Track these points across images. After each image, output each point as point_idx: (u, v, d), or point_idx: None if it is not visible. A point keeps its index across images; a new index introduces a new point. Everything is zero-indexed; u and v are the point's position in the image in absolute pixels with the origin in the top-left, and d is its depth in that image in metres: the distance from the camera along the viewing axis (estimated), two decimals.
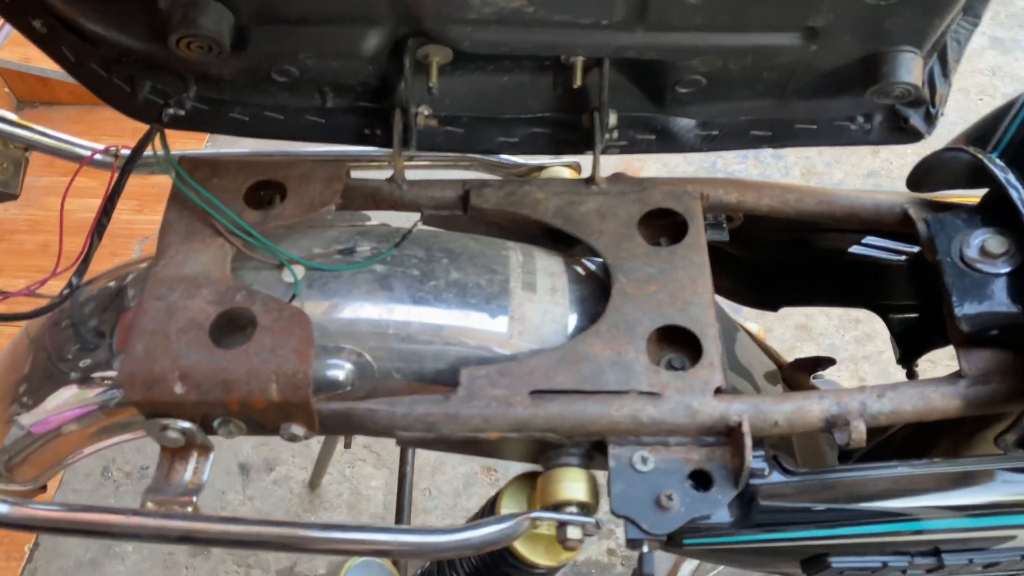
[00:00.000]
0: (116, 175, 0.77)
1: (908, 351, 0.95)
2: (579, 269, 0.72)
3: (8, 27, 0.73)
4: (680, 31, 0.63)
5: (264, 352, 0.59)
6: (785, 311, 1.08)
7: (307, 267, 0.65)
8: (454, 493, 1.65)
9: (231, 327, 0.62)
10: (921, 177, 0.72)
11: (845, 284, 0.94)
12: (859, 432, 0.59)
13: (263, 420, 0.61)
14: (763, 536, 0.63)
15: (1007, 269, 0.62)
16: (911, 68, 0.63)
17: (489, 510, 0.68)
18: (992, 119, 0.68)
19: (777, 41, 0.64)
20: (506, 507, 0.66)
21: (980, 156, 0.65)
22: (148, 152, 0.76)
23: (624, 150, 0.75)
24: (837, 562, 0.65)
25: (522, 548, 0.67)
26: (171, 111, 0.73)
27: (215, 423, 0.61)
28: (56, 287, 0.75)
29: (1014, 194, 0.61)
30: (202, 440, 0.62)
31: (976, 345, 0.62)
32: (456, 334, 0.65)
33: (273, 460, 1.70)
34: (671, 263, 0.68)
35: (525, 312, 0.66)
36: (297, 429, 0.61)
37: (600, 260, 0.74)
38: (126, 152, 0.79)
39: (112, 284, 0.75)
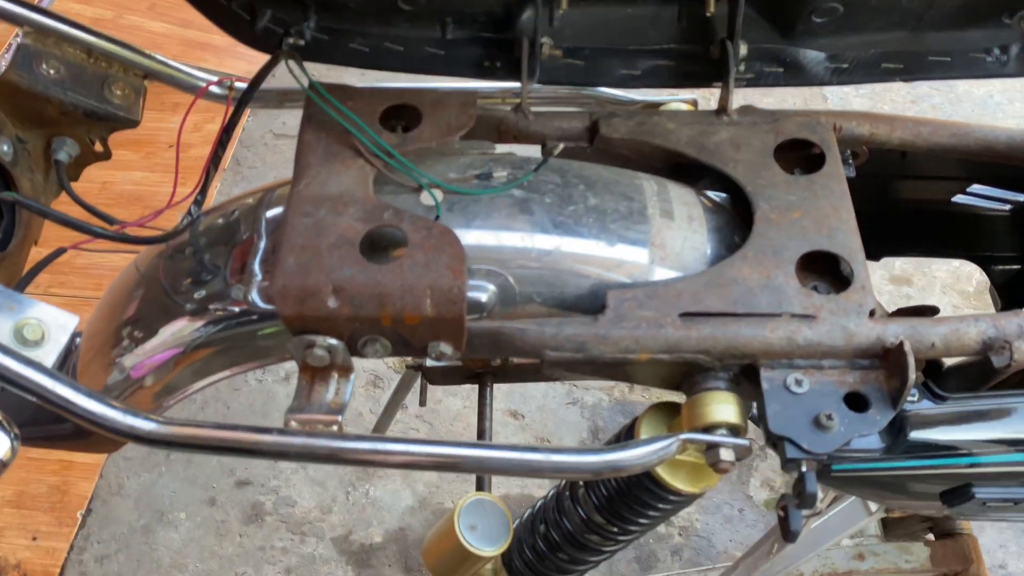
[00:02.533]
0: (231, 107, 0.76)
1: (1009, 302, 0.94)
2: (709, 201, 0.71)
3: None
4: None
5: (418, 267, 0.58)
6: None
7: (446, 190, 0.64)
8: None
9: (376, 246, 0.61)
10: None
11: (948, 234, 0.93)
12: (1021, 352, 0.58)
13: (412, 337, 0.60)
14: (910, 463, 0.62)
15: None
16: None
17: (626, 436, 0.67)
18: None
19: None
20: (645, 434, 0.65)
21: None
22: (265, 86, 0.75)
23: (751, 83, 0.74)
24: (980, 492, 0.65)
25: (664, 473, 0.66)
26: (291, 40, 0.72)
27: (360, 342, 0.61)
28: (166, 222, 0.75)
29: None
30: (344, 360, 0.61)
31: None
32: (597, 260, 0.64)
33: None
34: (812, 191, 0.67)
35: (665, 239, 0.65)
36: (445, 347, 0.60)
37: (724, 195, 0.73)
38: (241, 85, 0.78)
39: (229, 215, 0.74)
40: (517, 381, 0.69)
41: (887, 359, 0.60)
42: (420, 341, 0.60)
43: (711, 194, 0.73)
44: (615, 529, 0.74)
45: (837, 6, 0.68)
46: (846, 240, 0.64)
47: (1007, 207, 0.92)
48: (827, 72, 0.73)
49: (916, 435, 0.61)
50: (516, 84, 0.75)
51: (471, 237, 0.63)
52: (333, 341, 0.60)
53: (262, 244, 0.69)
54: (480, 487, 0.89)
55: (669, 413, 0.67)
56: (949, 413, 0.61)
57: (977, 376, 0.65)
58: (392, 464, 0.59)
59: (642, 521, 0.72)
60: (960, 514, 0.68)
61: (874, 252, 0.97)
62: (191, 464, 1.66)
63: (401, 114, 0.69)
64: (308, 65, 0.71)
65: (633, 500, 0.71)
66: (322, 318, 0.58)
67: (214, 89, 0.78)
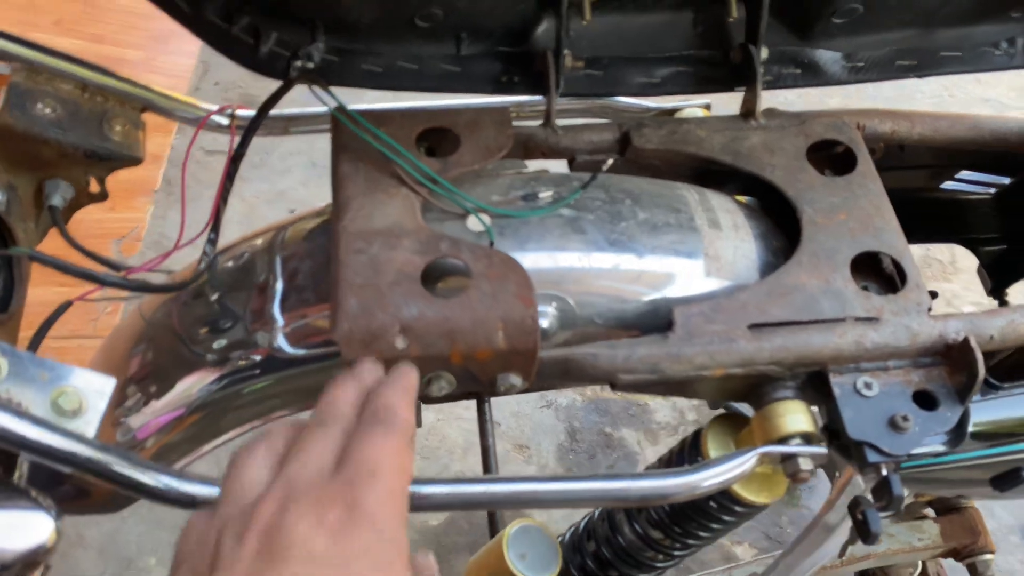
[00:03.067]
0: (235, 136, 0.71)
1: (998, 281, 0.97)
2: (744, 205, 0.70)
3: None
4: None
5: (487, 299, 0.56)
6: None
7: (494, 214, 0.62)
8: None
9: (435, 278, 0.58)
10: None
11: (938, 220, 0.96)
12: None
13: (480, 373, 0.57)
14: (970, 455, 0.64)
15: None
16: None
17: (691, 452, 0.66)
18: None
19: None
20: (713, 449, 0.65)
21: None
22: (273, 112, 0.71)
23: (770, 85, 0.74)
24: None
25: (739, 487, 0.65)
26: (299, 63, 0.68)
27: (424, 380, 0.58)
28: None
29: None
30: None
31: None
32: (654, 275, 0.63)
33: None
34: (851, 192, 0.67)
35: (718, 249, 0.64)
36: (515, 379, 0.58)
37: (753, 199, 0.73)
38: (243, 113, 0.73)
39: (240, 257, 0.70)
40: (677, 395, 0.67)
41: (950, 355, 0.60)
42: (489, 375, 0.58)
43: (742, 199, 0.73)
44: (676, 544, 0.73)
45: (858, 6, 0.69)
46: (893, 240, 0.64)
47: (991, 191, 0.95)
48: (844, 71, 0.74)
49: (975, 427, 0.62)
50: (536, 98, 0.73)
51: (527, 261, 0.60)
52: None
53: (279, 286, 0.65)
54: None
55: (731, 425, 0.67)
56: (1004, 402, 0.62)
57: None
58: (474, 506, 0.57)
59: (705, 535, 0.72)
60: (1008, 496, 0.70)
61: None
62: (155, 506, 1.57)
63: (433, 136, 0.66)
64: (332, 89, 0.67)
65: (699, 514, 0.70)
66: (391, 360, 0.55)
67: (216, 119, 0.73)
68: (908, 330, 0.60)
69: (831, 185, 0.68)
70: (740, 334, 0.60)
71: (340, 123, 0.63)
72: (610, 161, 0.66)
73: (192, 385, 0.69)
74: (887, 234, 0.65)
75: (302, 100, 0.72)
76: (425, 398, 0.59)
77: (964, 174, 0.92)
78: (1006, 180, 0.94)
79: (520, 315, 0.55)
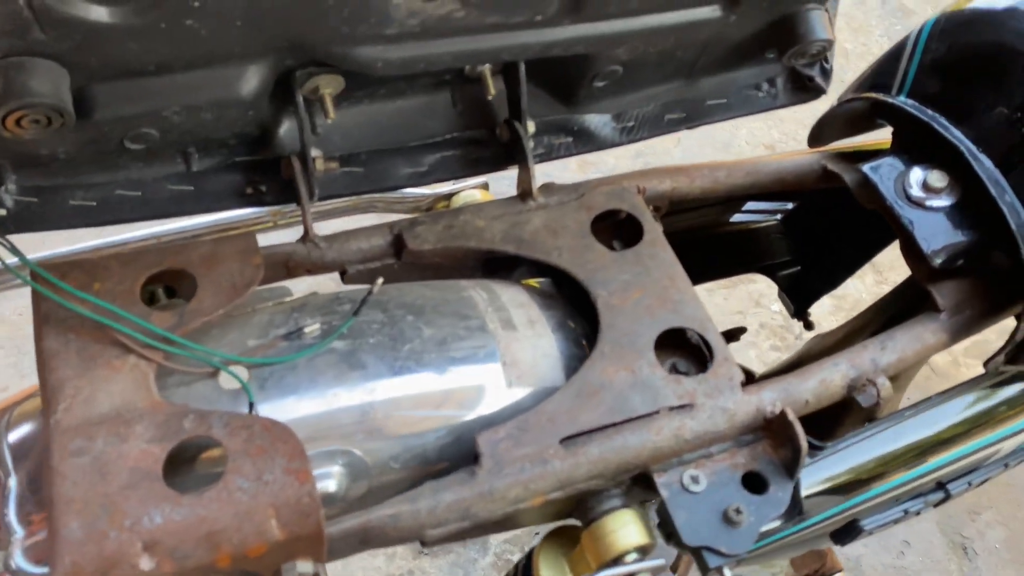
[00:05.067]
0: None
1: (799, 303, 0.98)
2: (539, 294, 0.65)
3: None
4: (613, 18, 0.58)
5: (251, 484, 0.46)
6: None
7: (251, 365, 0.52)
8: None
9: (188, 460, 0.48)
10: (821, 132, 0.74)
11: (732, 253, 0.95)
12: (887, 389, 0.58)
13: (261, 569, 0.47)
14: (808, 523, 0.61)
15: (952, 201, 0.64)
16: (824, 24, 0.64)
17: (524, 573, 0.59)
18: (886, 65, 0.71)
19: (700, 15, 0.61)
20: (545, 573, 0.58)
21: (892, 101, 0.68)
22: None
23: (543, 158, 0.70)
24: (867, 523, 0.65)
25: None
26: None
27: None
28: None
29: (942, 130, 0.64)
30: None
31: (943, 279, 0.64)
32: (452, 398, 0.55)
33: None
34: (642, 265, 0.63)
35: (515, 353, 0.58)
36: (304, 566, 0.48)
37: (544, 279, 0.68)
38: None
39: None
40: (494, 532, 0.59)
41: (770, 428, 0.57)
42: (270, 568, 0.48)
43: (533, 282, 0.68)
44: None
45: (617, 68, 0.65)
46: (693, 311, 0.61)
47: (777, 216, 0.96)
48: (615, 133, 0.71)
49: (807, 492, 0.59)
50: (290, 206, 0.65)
51: (298, 415, 0.51)
52: None
53: (13, 484, 0.52)
54: None
55: (566, 541, 0.60)
56: (830, 462, 0.60)
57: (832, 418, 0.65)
58: None
59: None
60: (847, 544, 0.68)
61: None
62: None
63: (168, 276, 0.55)
64: (21, 238, 0.55)
65: None
66: None
67: None
68: (725, 412, 0.56)
69: (621, 260, 0.63)
70: (553, 453, 0.53)
71: (37, 295, 0.51)
72: (380, 281, 0.58)
73: None
74: (686, 306, 0.61)
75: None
76: None
77: (750, 205, 0.92)
78: (789, 205, 0.95)
79: (295, 495, 0.46)
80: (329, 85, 0.59)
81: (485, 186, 0.76)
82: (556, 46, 0.59)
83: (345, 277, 0.64)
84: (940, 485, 0.67)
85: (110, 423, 0.47)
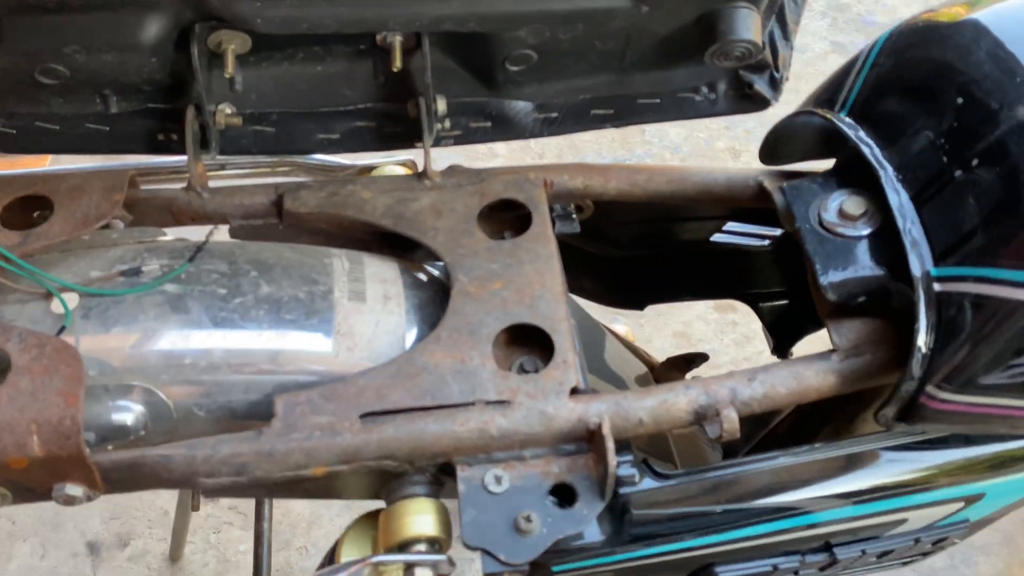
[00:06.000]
0: None
1: (781, 339, 0.91)
2: (418, 274, 0.64)
3: None
4: None
5: (22, 397, 0.48)
6: (661, 319, 1.01)
7: (82, 293, 0.54)
8: None
9: None
10: (774, 147, 0.68)
11: (710, 274, 0.90)
12: (731, 422, 0.52)
13: (29, 482, 0.49)
14: (641, 552, 0.56)
15: (868, 231, 0.57)
16: (749, 24, 0.59)
17: (329, 559, 0.58)
18: (837, 78, 0.64)
19: (605, 3, 0.58)
20: (347, 554, 0.56)
21: (829, 116, 0.61)
22: None
23: (459, 140, 0.68)
24: (724, 571, 0.59)
25: None
26: None
27: None
28: None
29: (866, 151, 0.57)
30: None
31: (845, 316, 0.58)
32: (271, 358, 0.55)
33: (127, 534, 1.52)
34: (516, 257, 0.60)
35: (353, 325, 0.57)
36: (73, 488, 0.50)
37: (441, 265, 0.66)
38: None
39: None
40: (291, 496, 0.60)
41: (593, 441, 0.53)
42: (41, 485, 0.50)
43: (428, 266, 0.66)
44: None
45: (530, 53, 0.63)
46: (549, 310, 0.57)
47: (765, 242, 0.89)
48: (536, 123, 0.68)
49: (640, 520, 0.55)
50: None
51: (110, 347, 0.53)
52: None
53: None
54: None
55: (376, 524, 0.59)
56: (674, 489, 0.55)
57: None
58: None
59: None
60: None
61: (637, 301, 0.93)
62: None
63: (33, 201, 0.59)
64: None
65: None
66: None
67: None
68: (542, 415, 0.53)
69: (496, 250, 0.61)
70: (347, 426, 0.52)
71: None
72: (214, 229, 0.59)
73: None
74: (543, 304, 0.58)
75: None
76: None
77: (731, 225, 0.86)
78: (778, 231, 0.88)
79: (58, 416, 0.48)
80: (232, 41, 0.61)
81: (412, 164, 0.75)
82: (446, 20, 0.58)
83: (231, 231, 0.65)
84: (827, 546, 0.60)
85: None
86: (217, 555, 1.53)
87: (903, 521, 0.60)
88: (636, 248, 0.85)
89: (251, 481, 0.51)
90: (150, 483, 0.52)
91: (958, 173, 0.52)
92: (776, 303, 0.91)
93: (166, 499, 1.60)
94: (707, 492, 0.57)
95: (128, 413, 0.53)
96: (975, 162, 0.51)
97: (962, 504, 0.60)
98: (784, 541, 0.59)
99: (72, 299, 0.54)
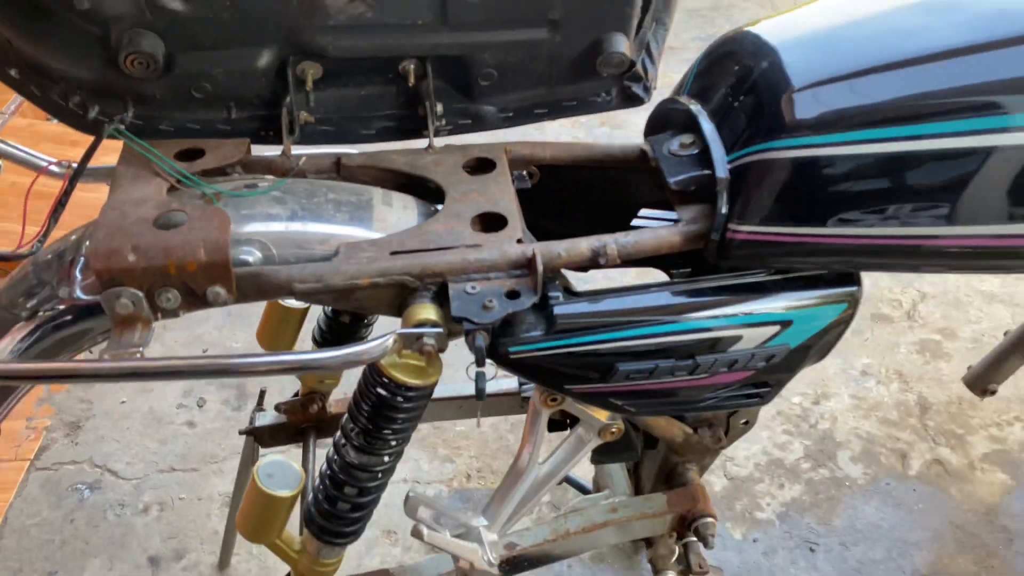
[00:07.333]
0: (66, 182, 1.02)
1: None
2: (425, 202, 1.00)
3: None
4: (470, 29, 0.97)
5: (194, 229, 0.83)
6: None
7: (223, 195, 0.91)
8: (357, 555, 1.76)
9: (169, 227, 0.86)
10: (652, 124, 1.06)
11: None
12: (612, 251, 0.87)
13: (194, 284, 0.84)
14: (566, 341, 0.88)
15: (695, 152, 0.95)
16: (622, 44, 0.99)
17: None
18: (685, 75, 1.04)
19: (534, 35, 0.98)
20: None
21: (678, 97, 1.00)
22: (92, 164, 1.02)
23: (451, 132, 1.07)
24: (623, 367, 0.91)
25: (395, 372, 0.89)
26: (112, 127, 1.00)
27: (156, 294, 0.83)
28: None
29: (693, 108, 0.96)
30: (146, 313, 0.84)
31: (685, 202, 0.94)
32: (335, 230, 0.91)
33: (182, 550, 1.78)
34: (485, 184, 0.97)
35: (385, 217, 0.93)
36: (220, 290, 0.84)
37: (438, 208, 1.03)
38: (76, 165, 1.04)
39: (59, 248, 0.97)
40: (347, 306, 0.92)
41: (530, 267, 0.87)
42: (201, 286, 0.84)
43: (429, 204, 1.03)
44: (376, 441, 0.95)
45: (492, 71, 1.02)
46: (506, 205, 0.94)
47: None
48: (499, 120, 1.07)
49: (562, 317, 0.88)
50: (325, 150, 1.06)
51: (242, 222, 0.89)
52: (135, 291, 0.82)
53: (81, 260, 0.92)
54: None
55: None
56: (585, 306, 0.88)
57: None
58: (181, 375, 0.81)
59: (396, 426, 0.94)
60: (623, 404, 0.93)
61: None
62: None
63: (192, 150, 0.97)
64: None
65: (383, 407, 0.93)
66: (124, 270, 0.81)
67: (53, 168, 1.03)
68: (501, 252, 0.88)
69: (473, 180, 0.98)
70: (383, 257, 0.87)
71: (125, 146, 0.94)
72: (303, 158, 0.97)
73: (12, 339, 0.93)
74: (503, 203, 0.94)
75: None
76: (161, 311, 0.84)
77: (644, 212, 1.23)
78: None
79: (216, 238, 0.83)
80: (311, 68, 1.01)
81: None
82: (440, 47, 0.98)
83: (301, 172, 1.02)
84: (691, 355, 0.92)
85: (135, 201, 0.87)
86: (259, 564, 1.78)
87: (740, 338, 0.92)
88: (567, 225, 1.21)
89: (324, 287, 0.85)
90: (264, 290, 0.86)
91: (735, 105, 0.90)
92: (683, 271, 1.26)
93: (216, 521, 1.87)
94: (607, 307, 0.90)
95: (251, 255, 0.88)
96: (742, 98, 0.89)
97: (778, 328, 0.93)
98: (663, 344, 0.91)
99: (214, 190, 0.90)
